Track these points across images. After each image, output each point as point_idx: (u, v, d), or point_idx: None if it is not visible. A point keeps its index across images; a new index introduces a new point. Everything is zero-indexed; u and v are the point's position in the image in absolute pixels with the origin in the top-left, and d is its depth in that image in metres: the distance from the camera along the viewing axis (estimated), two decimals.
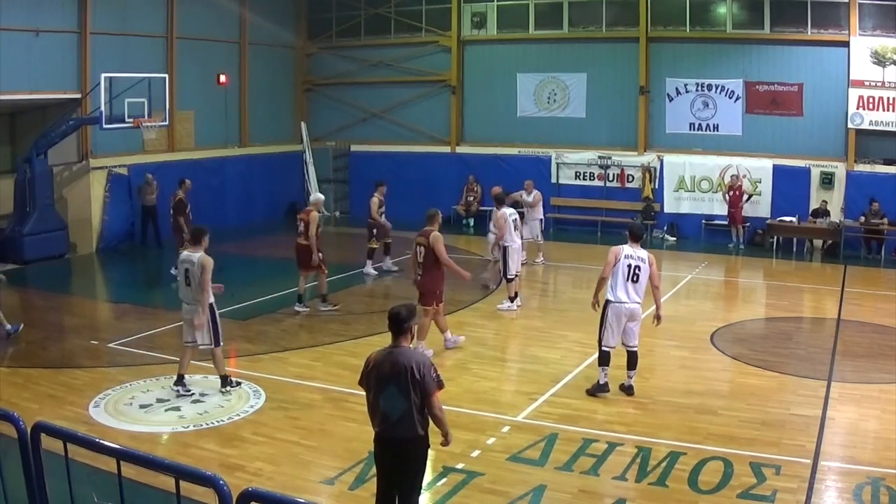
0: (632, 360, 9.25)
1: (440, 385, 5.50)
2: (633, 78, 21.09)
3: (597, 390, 9.20)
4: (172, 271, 13.91)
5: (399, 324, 5.56)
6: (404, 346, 5.58)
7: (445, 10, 23.08)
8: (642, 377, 10.12)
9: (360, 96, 24.42)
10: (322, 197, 14.18)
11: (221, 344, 9.23)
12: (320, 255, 12.90)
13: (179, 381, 9.18)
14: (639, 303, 9.07)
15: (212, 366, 9.42)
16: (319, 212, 13.45)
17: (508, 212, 13.77)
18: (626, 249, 9.08)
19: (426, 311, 10.50)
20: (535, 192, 17.51)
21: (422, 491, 5.82)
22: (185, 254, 9.19)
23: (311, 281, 13.37)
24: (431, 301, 10.59)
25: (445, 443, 5.70)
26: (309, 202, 13.77)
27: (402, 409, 5.37)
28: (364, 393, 5.66)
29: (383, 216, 15.93)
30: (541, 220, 17.61)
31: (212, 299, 9.00)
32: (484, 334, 12.04)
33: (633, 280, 8.96)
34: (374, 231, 15.88)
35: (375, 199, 15.78)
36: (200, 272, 8.81)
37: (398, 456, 5.50)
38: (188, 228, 14.14)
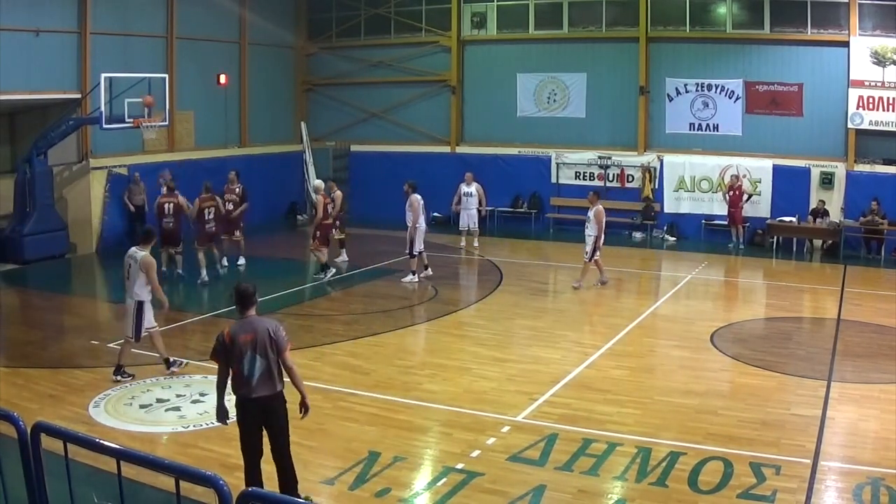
0: None
1: (288, 341, 6.37)
2: (633, 78, 21.07)
3: None
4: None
5: (248, 298, 6.38)
6: (254, 315, 6.37)
7: (445, 10, 23.06)
8: (643, 377, 10.15)
9: (360, 96, 24.40)
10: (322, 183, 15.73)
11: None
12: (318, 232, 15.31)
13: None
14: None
15: (210, 364, 9.45)
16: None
17: (417, 197, 15.38)
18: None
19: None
20: (476, 185, 19.05)
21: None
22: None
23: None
24: None
25: (304, 407, 6.42)
26: (324, 189, 15.49)
27: (263, 368, 6.17)
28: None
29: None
30: (478, 210, 19.18)
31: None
32: (484, 334, 12.04)
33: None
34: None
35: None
36: None
37: (263, 413, 6.24)
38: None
